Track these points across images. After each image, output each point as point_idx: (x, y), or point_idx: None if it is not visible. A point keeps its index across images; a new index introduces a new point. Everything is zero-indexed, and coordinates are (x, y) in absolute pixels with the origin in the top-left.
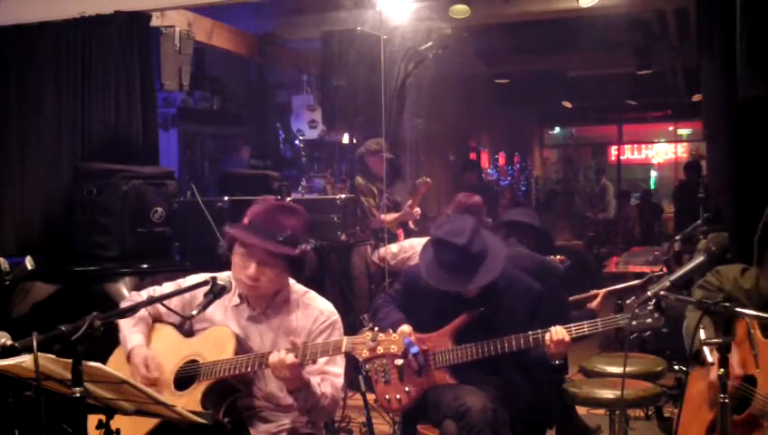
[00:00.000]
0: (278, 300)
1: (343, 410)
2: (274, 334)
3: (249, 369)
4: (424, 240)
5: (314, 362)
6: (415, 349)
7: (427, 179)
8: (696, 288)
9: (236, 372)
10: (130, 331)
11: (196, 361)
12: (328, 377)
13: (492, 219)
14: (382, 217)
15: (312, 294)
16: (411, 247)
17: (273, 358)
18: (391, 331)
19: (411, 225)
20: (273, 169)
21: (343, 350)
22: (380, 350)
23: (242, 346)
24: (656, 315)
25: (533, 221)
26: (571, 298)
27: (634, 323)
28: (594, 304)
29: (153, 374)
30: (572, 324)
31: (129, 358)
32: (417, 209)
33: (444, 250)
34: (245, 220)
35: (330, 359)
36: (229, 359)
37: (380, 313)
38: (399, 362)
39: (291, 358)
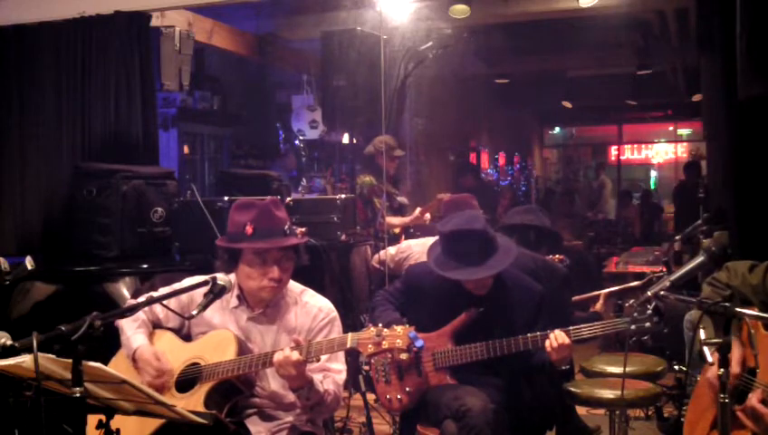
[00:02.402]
0: (276, 299)
1: (348, 411)
2: (275, 334)
3: (253, 369)
4: (422, 241)
5: (318, 359)
6: (420, 342)
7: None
8: (705, 284)
9: (240, 372)
10: (134, 332)
11: (198, 363)
12: (330, 374)
13: (491, 219)
14: (387, 219)
15: (310, 292)
16: (408, 248)
17: (278, 356)
18: (395, 326)
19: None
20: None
21: (348, 345)
22: (385, 344)
23: (242, 349)
24: (654, 319)
25: (533, 220)
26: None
27: (633, 327)
28: (598, 305)
29: (165, 365)
30: (571, 327)
31: (133, 358)
32: (428, 216)
33: (459, 240)
34: (248, 229)
35: (331, 356)
36: (232, 360)
37: (377, 311)
38: (404, 356)
39: (295, 355)
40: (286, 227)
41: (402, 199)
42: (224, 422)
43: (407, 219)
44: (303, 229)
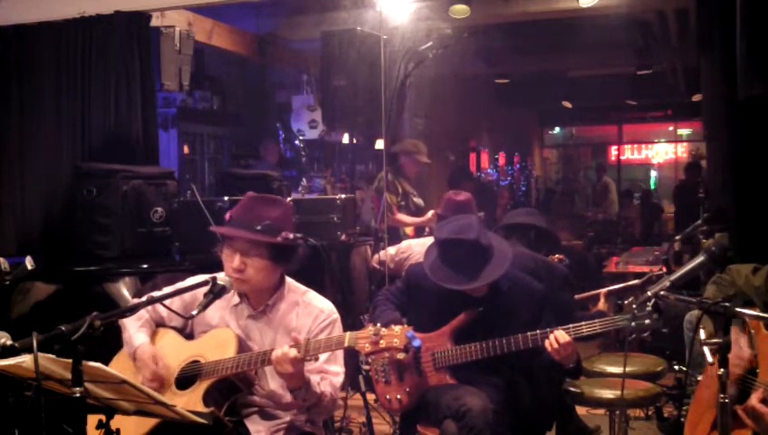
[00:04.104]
0: (277, 298)
1: (345, 411)
2: (275, 332)
3: (251, 366)
4: (422, 241)
5: (316, 359)
6: (417, 342)
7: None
8: (710, 284)
9: (239, 369)
10: (136, 330)
11: (198, 361)
12: (327, 376)
13: (490, 219)
14: (399, 216)
15: (312, 293)
16: (408, 247)
17: (277, 353)
18: (394, 326)
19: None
20: (273, 168)
21: (346, 344)
22: (383, 344)
23: (242, 347)
24: (654, 316)
25: (533, 221)
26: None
27: (633, 324)
28: (600, 304)
29: (161, 370)
30: (570, 325)
31: (134, 357)
32: None
33: (453, 248)
34: (227, 216)
35: (329, 358)
36: (231, 358)
37: (377, 310)
38: (402, 355)
39: (293, 353)
40: (261, 224)
41: (418, 201)
42: (222, 421)
43: (418, 220)
44: (299, 235)
